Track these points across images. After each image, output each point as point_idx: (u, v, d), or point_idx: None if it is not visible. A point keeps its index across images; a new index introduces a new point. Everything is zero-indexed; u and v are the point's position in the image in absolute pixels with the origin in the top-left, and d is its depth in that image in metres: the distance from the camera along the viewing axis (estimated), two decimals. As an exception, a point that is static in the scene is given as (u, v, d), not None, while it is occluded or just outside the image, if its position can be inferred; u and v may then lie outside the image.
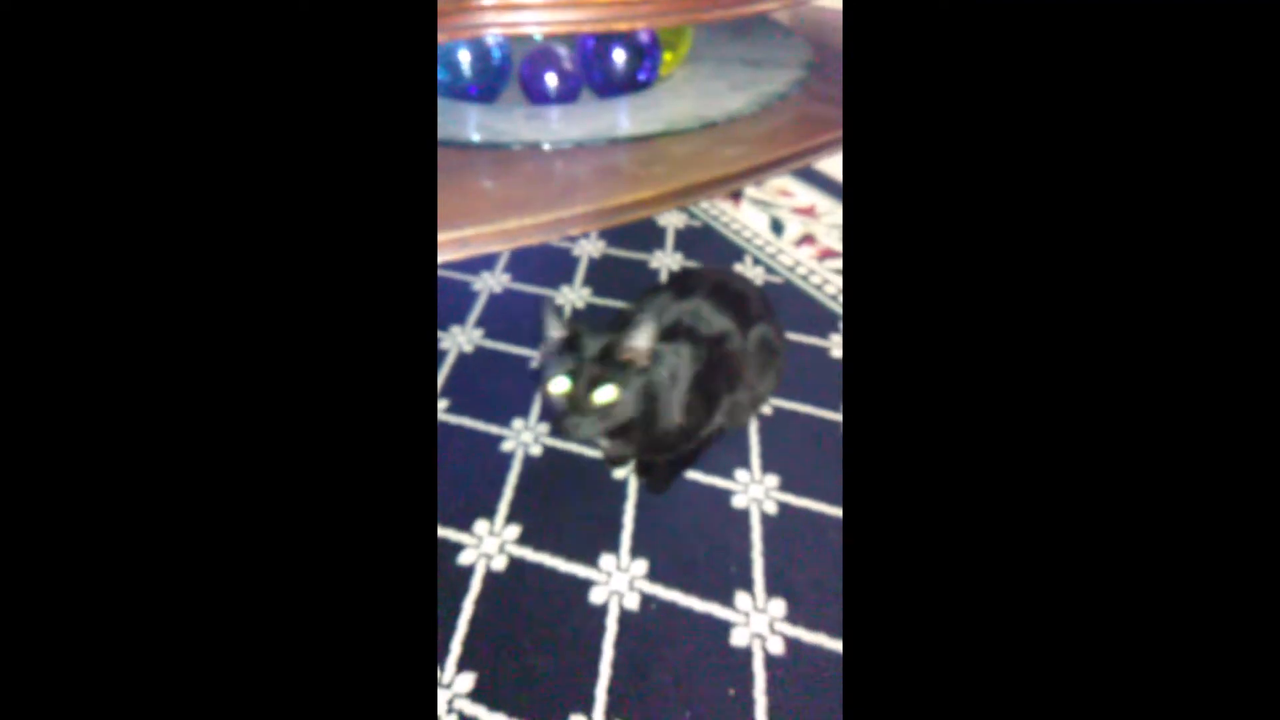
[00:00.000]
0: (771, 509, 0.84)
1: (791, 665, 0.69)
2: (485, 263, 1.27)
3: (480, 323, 1.13)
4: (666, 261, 1.30)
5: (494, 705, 0.65)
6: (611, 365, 0.69)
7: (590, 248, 1.33)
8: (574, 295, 1.21)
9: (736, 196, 1.49)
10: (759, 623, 0.73)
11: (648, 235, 1.36)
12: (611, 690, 0.66)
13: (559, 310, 0.73)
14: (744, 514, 0.84)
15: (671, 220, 1.41)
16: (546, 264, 1.28)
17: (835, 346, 1.09)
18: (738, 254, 1.31)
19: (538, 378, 1.03)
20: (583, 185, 0.86)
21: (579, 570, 0.77)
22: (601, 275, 1.26)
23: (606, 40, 1.10)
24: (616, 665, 0.68)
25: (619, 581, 0.76)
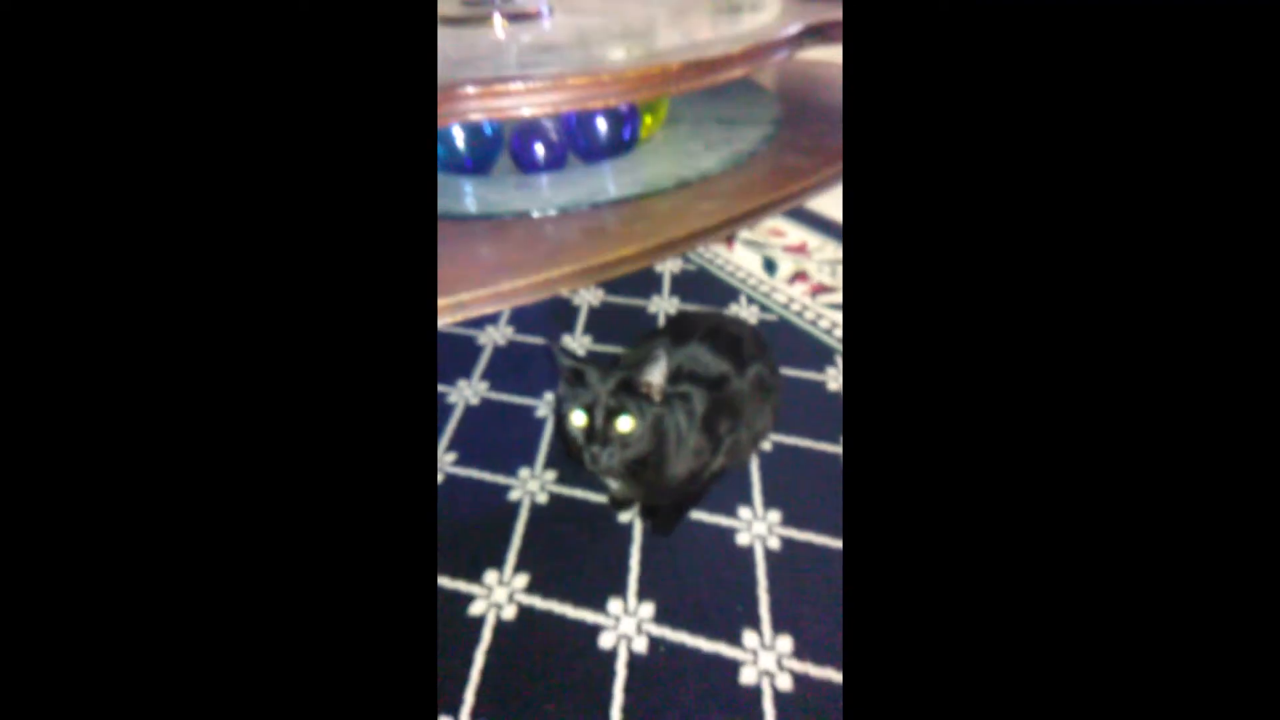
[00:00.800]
0: (775, 545, 0.86)
1: (800, 701, 0.70)
2: (489, 318, 1.31)
3: (485, 375, 1.17)
4: (664, 305, 1.34)
5: (508, 755, 0.66)
6: (629, 397, 0.73)
7: (590, 297, 1.37)
8: (575, 343, 1.25)
9: (729, 239, 1.53)
10: (767, 660, 0.73)
11: (645, 281, 1.40)
12: (623, 735, 0.67)
13: (568, 351, 0.76)
14: (748, 551, 0.85)
15: (667, 266, 1.46)
16: (548, 314, 1.32)
17: (832, 380, 1.11)
18: (733, 294, 1.35)
19: (544, 423, 1.06)
20: (570, 246, 0.92)
21: (587, 615, 0.78)
22: (601, 322, 1.30)
23: (587, 113, 1.17)
24: (627, 710, 0.69)
25: (627, 625, 0.77)
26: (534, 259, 0.89)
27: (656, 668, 0.73)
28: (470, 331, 1.28)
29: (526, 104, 0.72)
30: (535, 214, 1.04)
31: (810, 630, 0.76)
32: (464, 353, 1.23)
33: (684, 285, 1.39)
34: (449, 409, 1.10)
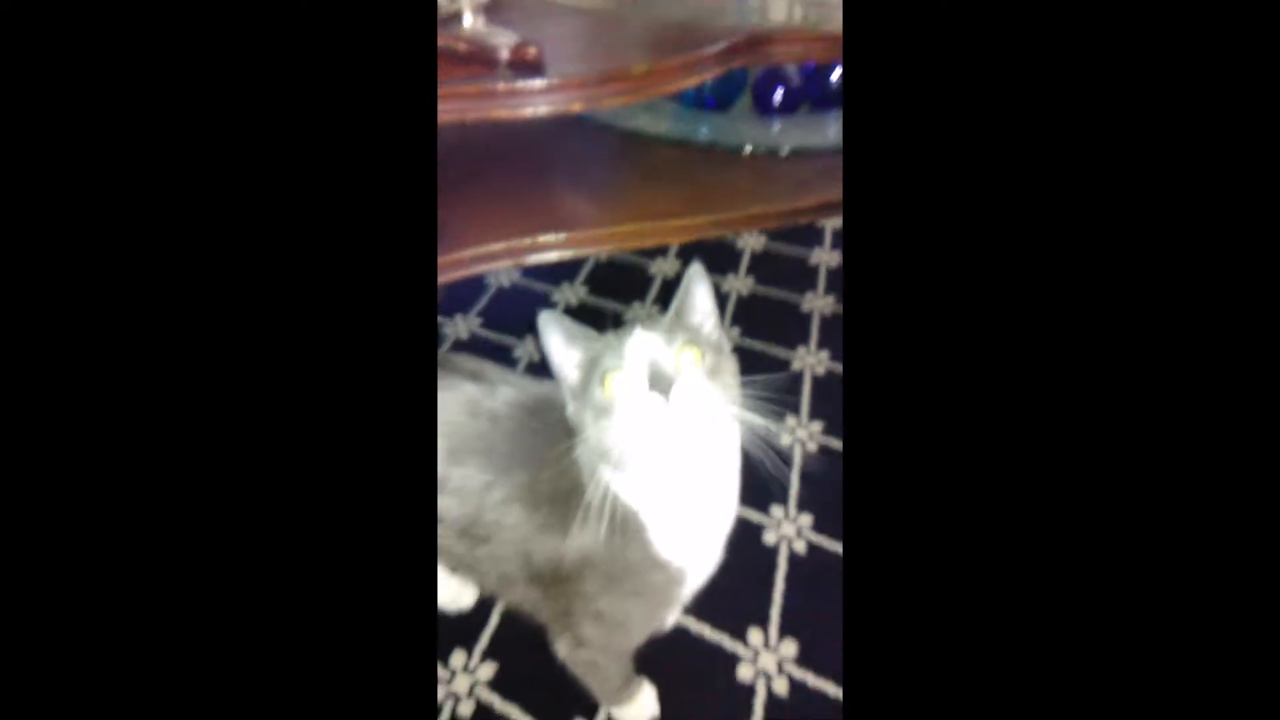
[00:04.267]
0: (801, 548, 0.85)
1: (794, 707, 0.71)
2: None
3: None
4: (825, 259, 1.36)
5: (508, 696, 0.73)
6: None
7: (753, 242, 1.42)
8: (738, 283, 1.32)
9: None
10: (767, 661, 0.75)
11: (807, 235, 1.43)
12: None
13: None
14: (773, 550, 0.85)
15: (831, 222, 1.46)
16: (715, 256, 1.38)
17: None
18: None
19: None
20: (809, 181, 1.04)
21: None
22: (763, 267, 1.36)
23: (826, 64, 1.27)
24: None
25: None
26: (782, 189, 1.03)
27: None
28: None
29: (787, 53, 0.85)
30: (783, 150, 1.16)
31: (818, 638, 0.76)
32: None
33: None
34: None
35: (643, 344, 0.45)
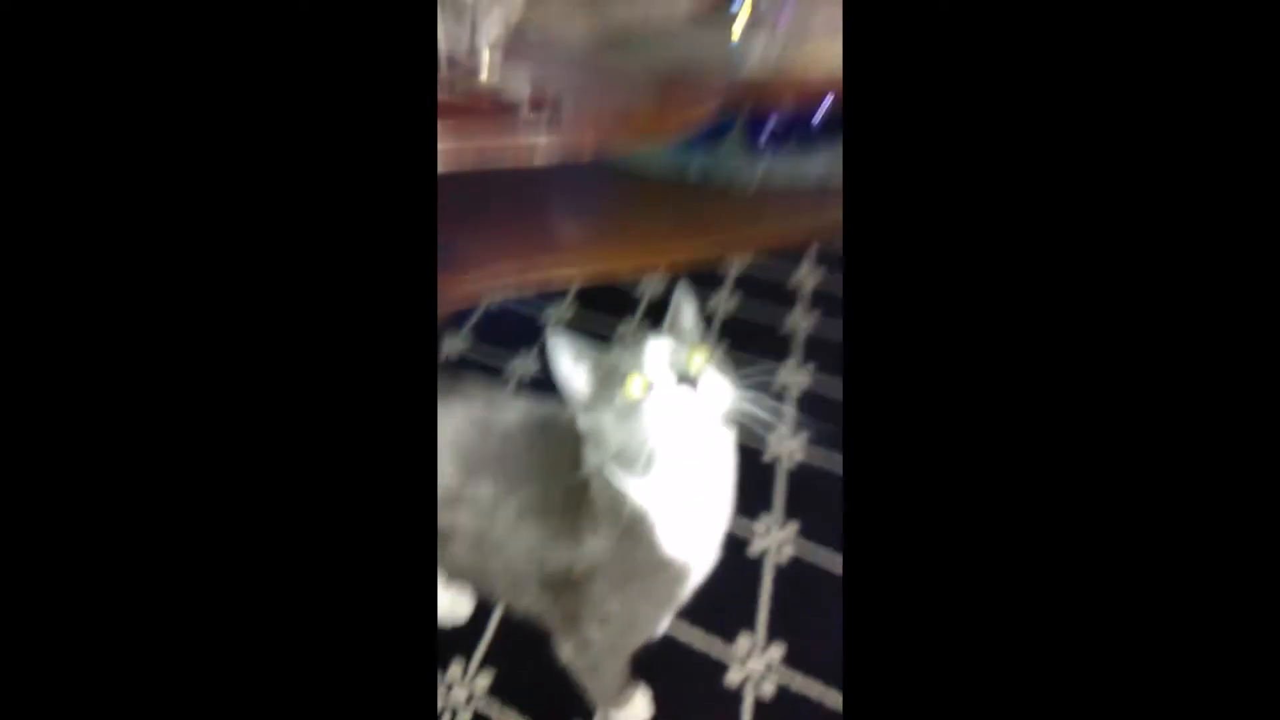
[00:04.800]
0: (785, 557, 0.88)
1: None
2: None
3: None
4: (805, 279, 1.37)
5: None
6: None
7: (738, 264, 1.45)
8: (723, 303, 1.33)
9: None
10: (756, 664, 0.77)
11: (787, 261, 1.48)
12: None
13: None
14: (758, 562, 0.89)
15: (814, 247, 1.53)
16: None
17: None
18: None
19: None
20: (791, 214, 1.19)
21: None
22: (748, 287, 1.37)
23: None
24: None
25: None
26: (767, 220, 1.17)
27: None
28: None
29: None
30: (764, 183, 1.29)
31: (807, 642, 0.79)
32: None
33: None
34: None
35: (660, 347, 0.50)
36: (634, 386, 0.49)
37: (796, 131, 1.40)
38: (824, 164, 1.40)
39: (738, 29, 1.03)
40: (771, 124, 1.40)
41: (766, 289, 1.39)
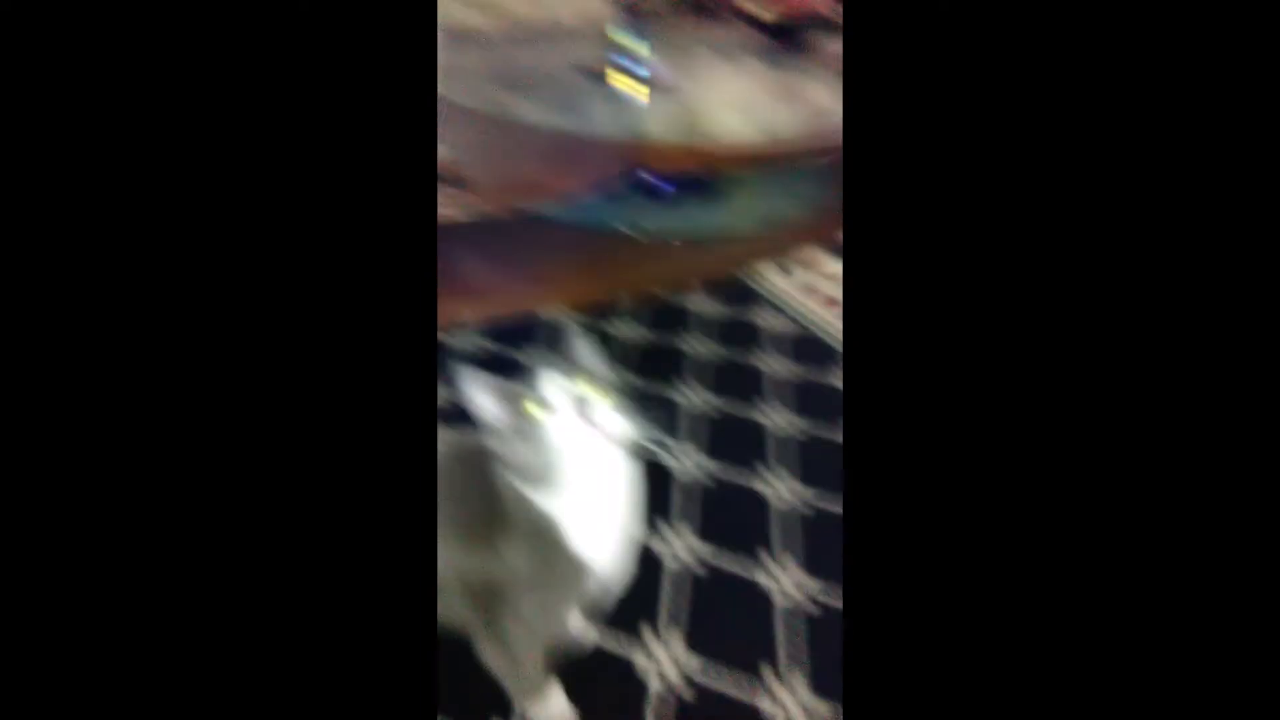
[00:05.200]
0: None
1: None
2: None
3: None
4: (703, 308, 1.48)
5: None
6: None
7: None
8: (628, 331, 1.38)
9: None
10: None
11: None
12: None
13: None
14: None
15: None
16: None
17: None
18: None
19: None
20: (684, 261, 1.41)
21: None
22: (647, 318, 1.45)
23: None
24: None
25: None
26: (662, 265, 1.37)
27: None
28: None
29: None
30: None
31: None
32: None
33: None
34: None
35: (556, 378, 0.58)
36: (535, 411, 0.56)
37: (691, 190, 1.65)
38: (715, 217, 1.67)
39: (642, 93, 1.16)
40: (668, 183, 1.63)
41: (660, 320, 1.47)
